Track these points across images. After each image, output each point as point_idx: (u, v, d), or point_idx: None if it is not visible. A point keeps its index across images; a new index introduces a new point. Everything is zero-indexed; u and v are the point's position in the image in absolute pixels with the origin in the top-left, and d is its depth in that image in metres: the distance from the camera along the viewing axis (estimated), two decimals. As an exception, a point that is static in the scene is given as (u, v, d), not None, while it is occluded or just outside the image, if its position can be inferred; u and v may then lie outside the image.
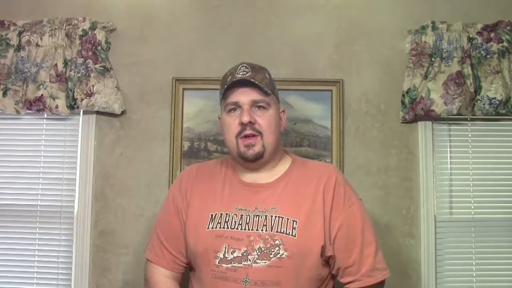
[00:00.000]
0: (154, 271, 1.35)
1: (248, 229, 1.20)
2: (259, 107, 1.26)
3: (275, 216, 1.20)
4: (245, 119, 1.22)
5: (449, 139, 1.95)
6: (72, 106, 1.90)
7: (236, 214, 1.23)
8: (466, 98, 1.82)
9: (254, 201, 1.24)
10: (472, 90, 1.84)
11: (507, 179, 1.93)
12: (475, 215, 1.91)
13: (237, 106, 1.26)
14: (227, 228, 1.22)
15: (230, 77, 1.27)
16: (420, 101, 1.85)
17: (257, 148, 1.24)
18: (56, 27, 1.91)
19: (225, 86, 1.27)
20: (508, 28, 1.85)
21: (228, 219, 1.23)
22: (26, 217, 1.96)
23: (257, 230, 1.20)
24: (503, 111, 1.85)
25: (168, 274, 1.34)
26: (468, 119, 1.94)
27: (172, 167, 1.91)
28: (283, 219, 1.20)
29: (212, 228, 1.24)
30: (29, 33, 1.91)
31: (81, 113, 1.97)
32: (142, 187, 1.94)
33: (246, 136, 1.24)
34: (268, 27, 1.98)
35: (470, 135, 1.95)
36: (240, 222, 1.22)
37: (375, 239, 1.24)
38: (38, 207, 1.96)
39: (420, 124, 1.92)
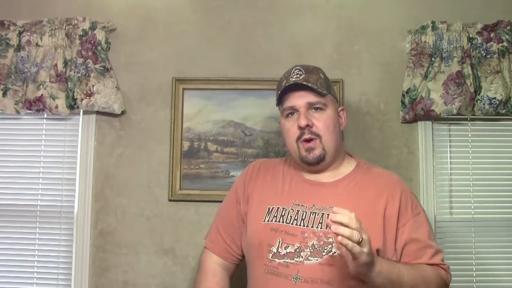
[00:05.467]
0: (206, 257, 1.39)
1: (303, 225, 1.20)
2: (316, 108, 1.25)
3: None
4: (302, 122, 1.23)
5: (449, 139, 1.95)
6: (72, 106, 1.90)
7: (292, 209, 1.24)
8: (466, 98, 1.82)
9: (312, 198, 1.25)
10: (472, 90, 1.84)
11: (507, 179, 1.92)
12: (475, 215, 1.91)
13: (293, 110, 1.26)
14: (283, 222, 1.23)
15: (284, 82, 1.27)
16: (420, 101, 1.85)
17: (317, 152, 1.24)
18: (56, 27, 1.91)
19: (279, 92, 1.27)
20: (508, 28, 1.85)
21: (284, 213, 1.24)
22: (26, 217, 1.96)
23: (312, 227, 1.19)
24: (503, 111, 1.85)
25: (219, 262, 1.37)
26: (468, 119, 1.94)
27: (172, 167, 1.91)
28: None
29: (268, 221, 1.25)
30: (29, 33, 1.91)
31: (81, 113, 1.97)
32: (142, 187, 1.94)
33: (306, 140, 1.24)
34: (268, 27, 1.98)
35: (470, 135, 1.95)
36: (296, 218, 1.22)
37: (442, 251, 1.26)
38: (38, 207, 1.96)
39: (420, 124, 1.92)
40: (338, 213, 0.98)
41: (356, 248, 0.97)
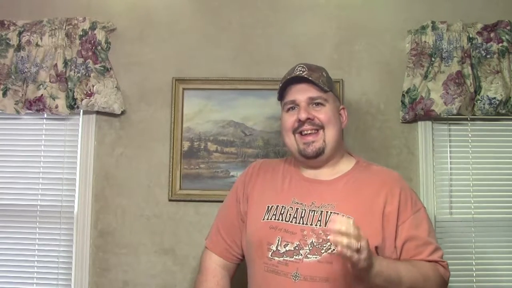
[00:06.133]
0: (207, 257, 1.39)
1: (303, 223, 1.21)
2: (317, 104, 1.27)
3: (331, 212, 1.20)
4: (303, 116, 1.24)
5: (449, 139, 1.95)
6: (72, 106, 1.90)
7: (291, 207, 1.24)
8: (466, 98, 1.82)
9: (312, 196, 1.25)
10: (472, 90, 1.84)
11: (507, 179, 1.92)
12: (475, 215, 1.91)
13: (294, 104, 1.28)
14: (282, 220, 1.23)
15: (287, 77, 1.29)
16: (420, 101, 1.85)
17: (317, 144, 1.25)
18: (56, 27, 1.91)
19: (281, 84, 1.29)
20: (508, 28, 1.85)
21: (284, 212, 1.24)
22: (26, 217, 1.96)
23: (311, 224, 1.20)
24: (503, 111, 1.85)
25: (220, 262, 1.37)
26: (468, 119, 1.94)
27: (172, 167, 1.91)
28: (338, 215, 1.19)
29: (268, 219, 1.25)
30: (29, 33, 1.91)
31: (81, 113, 1.97)
32: (142, 187, 1.94)
33: (305, 134, 1.25)
34: (268, 27, 1.98)
35: (470, 135, 1.95)
36: (295, 216, 1.23)
37: (441, 248, 1.26)
38: (38, 207, 1.96)
39: (420, 124, 1.92)
40: (336, 221, 0.98)
41: (355, 256, 0.97)
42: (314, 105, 1.27)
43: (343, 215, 1.19)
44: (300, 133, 1.26)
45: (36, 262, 1.95)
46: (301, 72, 1.26)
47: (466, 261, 1.89)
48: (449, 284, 1.87)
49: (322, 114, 1.26)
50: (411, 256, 1.20)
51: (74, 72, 1.88)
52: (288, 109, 1.29)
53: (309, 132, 1.26)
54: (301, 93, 1.26)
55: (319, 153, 1.26)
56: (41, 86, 1.87)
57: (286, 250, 1.19)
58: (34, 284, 1.94)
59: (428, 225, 1.25)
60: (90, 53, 1.89)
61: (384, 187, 1.24)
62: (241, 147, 1.93)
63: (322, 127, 1.25)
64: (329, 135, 1.26)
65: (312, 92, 1.26)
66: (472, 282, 1.88)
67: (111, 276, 1.90)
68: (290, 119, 1.28)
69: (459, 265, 1.88)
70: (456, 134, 1.95)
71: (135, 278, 1.90)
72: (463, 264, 1.89)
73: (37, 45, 1.91)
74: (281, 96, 1.32)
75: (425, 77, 1.87)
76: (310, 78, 1.25)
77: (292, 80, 1.28)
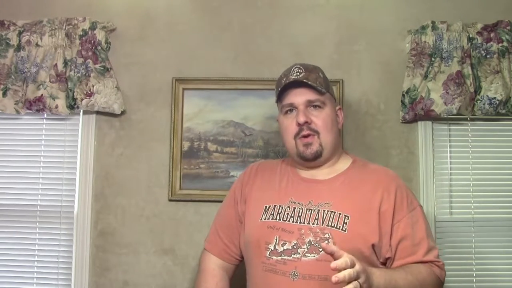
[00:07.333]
0: (206, 258, 1.40)
1: (300, 222, 1.21)
2: (315, 106, 1.28)
3: (328, 211, 1.21)
4: (301, 119, 1.25)
5: (449, 139, 1.95)
6: (72, 106, 1.90)
7: (289, 207, 1.25)
8: (466, 98, 1.82)
9: (309, 195, 1.25)
10: (472, 90, 1.84)
11: (507, 179, 1.92)
12: (475, 215, 1.91)
13: (293, 107, 1.28)
14: (279, 219, 1.24)
15: (284, 79, 1.29)
16: (420, 101, 1.85)
17: (315, 147, 1.26)
18: (56, 27, 1.91)
19: (279, 89, 1.29)
20: (508, 28, 1.85)
21: (281, 211, 1.25)
22: (26, 217, 1.96)
23: (308, 223, 1.20)
24: (503, 111, 1.85)
25: (218, 263, 1.38)
26: (468, 119, 1.94)
27: (172, 167, 1.91)
28: (335, 213, 1.20)
29: (265, 219, 1.26)
30: (29, 33, 1.91)
31: (81, 113, 1.97)
32: (142, 187, 1.94)
33: (304, 136, 1.26)
34: (268, 27, 1.98)
35: (470, 135, 1.95)
36: (292, 215, 1.23)
37: (437, 247, 1.25)
38: (38, 207, 1.96)
39: (420, 124, 1.92)
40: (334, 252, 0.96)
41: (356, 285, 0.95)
42: (312, 107, 1.28)
43: (340, 213, 1.19)
44: (301, 136, 1.27)
45: (36, 262, 1.95)
46: (298, 74, 1.27)
47: (466, 261, 1.89)
48: (449, 284, 1.89)
49: (320, 119, 1.27)
50: (405, 256, 1.20)
51: (74, 72, 1.88)
52: (286, 112, 1.30)
53: (307, 133, 1.26)
54: (298, 96, 1.27)
55: (317, 155, 1.27)
56: (41, 86, 1.87)
57: (284, 249, 1.19)
58: (34, 284, 1.94)
59: (424, 224, 1.25)
60: (90, 53, 1.89)
61: (380, 185, 1.25)
62: (241, 147, 1.93)
63: (317, 132, 1.26)
64: (325, 139, 1.27)
65: (310, 95, 1.27)
66: (472, 282, 1.88)
67: (111, 276, 1.90)
68: (290, 125, 1.28)
69: (459, 265, 1.89)
70: (456, 134, 1.95)
71: (135, 278, 1.90)
72: (463, 264, 1.89)
73: (37, 45, 1.91)
74: (279, 98, 1.32)
75: (425, 77, 1.87)
76: (308, 82, 1.25)
77: (289, 84, 1.28)
